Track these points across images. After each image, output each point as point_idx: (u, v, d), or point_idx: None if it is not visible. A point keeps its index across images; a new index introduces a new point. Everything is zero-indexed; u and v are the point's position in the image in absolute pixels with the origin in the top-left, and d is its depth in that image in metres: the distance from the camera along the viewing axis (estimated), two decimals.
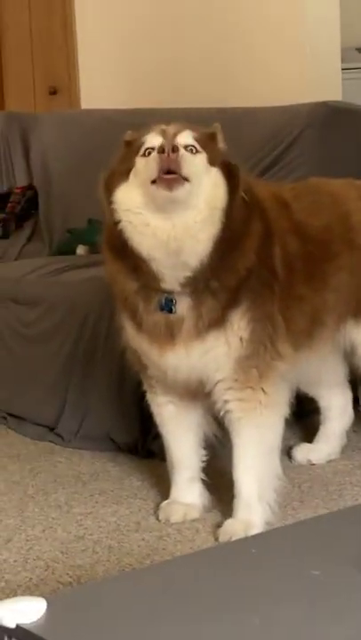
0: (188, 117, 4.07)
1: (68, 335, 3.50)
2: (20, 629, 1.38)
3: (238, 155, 3.70)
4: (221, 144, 2.62)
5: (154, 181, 2.51)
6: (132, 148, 2.59)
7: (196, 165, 2.53)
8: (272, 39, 4.21)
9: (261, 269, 2.66)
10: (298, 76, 4.15)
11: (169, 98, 4.37)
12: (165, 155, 2.48)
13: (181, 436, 2.89)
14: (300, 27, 4.14)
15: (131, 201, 2.56)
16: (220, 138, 2.62)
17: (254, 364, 2.67)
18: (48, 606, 1.43)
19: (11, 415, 3.70)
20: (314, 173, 3.32)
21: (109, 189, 2.61)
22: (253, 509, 2.74)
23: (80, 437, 3.47)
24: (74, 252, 4.06)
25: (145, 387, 2.90)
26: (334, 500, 2.97)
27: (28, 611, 1.41)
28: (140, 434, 3.33)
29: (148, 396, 2.90)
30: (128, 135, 2.66)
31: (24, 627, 1.38)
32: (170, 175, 2.49)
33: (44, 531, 2.86)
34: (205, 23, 4.40)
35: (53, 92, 4.91)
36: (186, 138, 2.56)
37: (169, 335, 2.64)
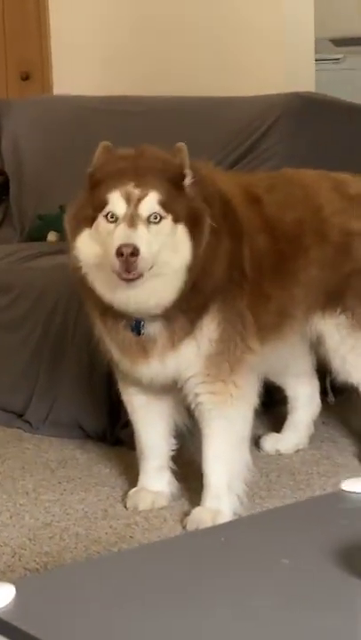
0: (161, 105, 4.09)
1: (37, 322, 3.49)
2: None
3: (212, 144, 3.73)
4: (188, 180, 2.56)
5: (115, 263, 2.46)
6: (96, 197, 2.53)
7: (160, 240, 2.49)
8: (247, 29, 4.20)
9: (231, 271, 2.67)
10: (272, 67, 4.14)
11: (143, 85, 4.35)
12: (124, 258, 2.42)
13: (151, 425, 2.89)
14: (275, 18, 4.13)
15: (91, 254, 2.55)
16: (187, 173, 2.55)
17: (225, 358, 2.69)
18: (17, 592, 1.42)
19: None
20: (287, 163, 3.32)
21: (72, 233, 2.60)
22: (222, 499, 2.75)
23: (49, 424, 3.46)
24: (45, 239, 4.05)
25: (116, 376, 2.90)
26: (302, 489, 2.99)
27: None
28: (108, 422, 3.32)
29: (120, 385, 2.90)
30: (93, 166, 2.59)
31: None
32: (128, 275, 2.44)
33: (11, 517, 2.85)
34: (181, 12, 4.39)
35: (26, 78, 4.87)
36: (149, 205, 2.49)
37: (141, 350, 2.66)
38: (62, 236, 3.86)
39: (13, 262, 3.75)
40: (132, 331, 2.64)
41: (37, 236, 4.10)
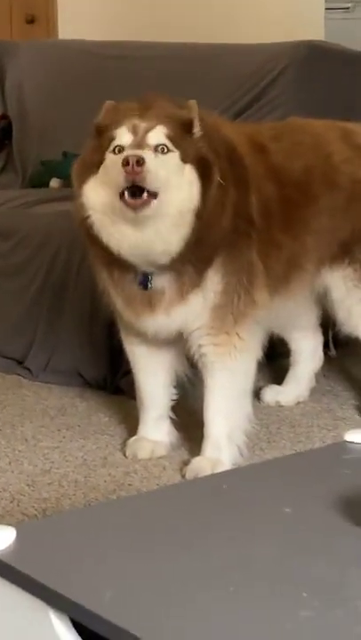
0: (166, 51, 4.04)
1: (39, 268, 3.46)
2: None
3: (217, 93, 3.68)
4: (197, 130, 2.52)
5: (121, 194, 2.44)
6: (103, 139, 2.51)
7: (167, 169, 2.45)
8: None
9: (238, 221, 2.63)
10: (281, 15, 4.09)
11: (149, 31, 4.30)
12: (130, 167, 2.39)
13: (152, 375, 2.87)
14: None
15: (98, 199, 2.51)
16: (195, 124, 2.52)
17: (230, 311, 2.67)
18: (17, 535, 1.41)
19: None
20: (294, 113, 3.27)
21: (79, 180, 2.56)
22: (222, 449, 2.74)
23: (48, 371, 3.45)
24: (47, 185, 4.01)
25: (119, 325, 2.88)
26: (302, 442, 2.98)
27: None
28: (108, 370, 3.31)
29: (122, 335, 2.87)
30: (99, 119, 2.56)
31: None
32: (135, 200, 2.41)
33: (10, 463, 2.84)
34: None
35: (31, 21, 4.82)
36: (157, 136, 2.46)
37: (147, 304, 2.64)
38: (65, 183, 3.84)
39: (15, 208, 3.71)
40: (140, 285, 2.61)
41: (40, 182, 4.07)
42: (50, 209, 3.60)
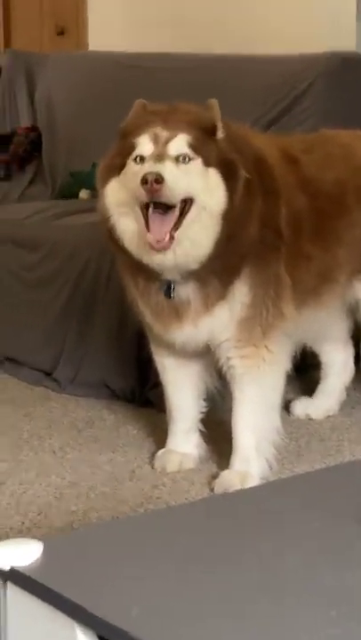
0: (196, 62, 4.02)
1: (67, 280, 3.45)
2: (14, 572, 1.35)
3: (247, 104, 3.66)
4: (220, 133, 2.51)
5: (145, 206, 2.44)
6: (126, 144, 2.51)
7: (189, 178, 2.44)
8: None
9: (266, 232, 2.61)
10: (313, 26, 4.07)
11: (179, 42, 4.29)
12: (149, 186, 2.38)
13: (182, 387, 2.85)
14: None
15: (119, 201, 2.52)
16: (218, 126, 2.51)
17: (258, 323, 2.65)
18: (44, 549, 1.40)
19: (7, 359, 3.67)
20: (325, 124, 3.26)
21: (102, 182, 2.57)
22: (251, 462, 2.71)
23: (76, 384, 3.44)
24: (76, 196, 4.01)
25: (148, 337, 2.86)
26: (332, 455, 2.95)
27: (23, 553, 1.38)
28: (137, 382, 3.29)
29: (151, 346, 2.86)
30: (125, 122, 2.57)
31: (19, 569, 1.35)
32: (158, 244, 2.42)
33: (37, 475, 2.83)
34: None
35: (61, 33, 4.83)
36: (178, 146, 2.45)
37: (174, 315, 2.62)
38: (94, 194, 3.82)
39: (44, 219, 3.71)
40: (165, 294, 2.60)
41: (69, 193, 4.07)
42: (79, 220, 3.60)
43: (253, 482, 2.66)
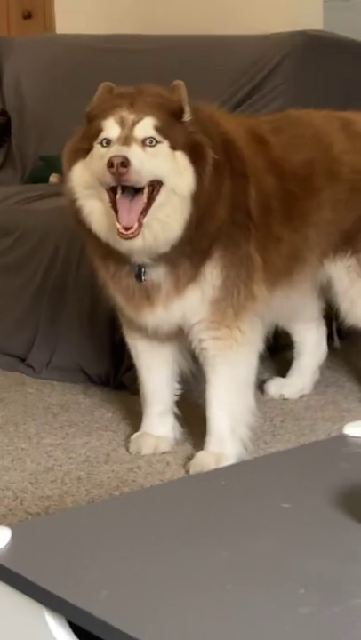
0: (164, 44, 4.01)
1: (39, 265, 3.44)
2: None
3: (215, 85, 3.65)
4: (187, 115, 2.50)
5: (111, 189, 2.43)
6: (92, 128, 2.49)
7: (156, 162, 2.43)
8: None
9: (235, 214, 2.61)
10: (279, 5, 4.06)
11: (145, 25, 4.27)
12: (115, 169, 2.37)
13: (155, 370, 2.85)
14: None
15: (85, 184, 2.51)
16: (185, 109, 2.49)
17: (230, 304, 2.65)
18: (12, 535, 1.40)
19: None
20: (293, 104, 3.26)
21: (68, 165, 2.55)
22: (225, 443, 2.72)
23: (51, 368, 3.43)
24: (47, 181, 3.99)
25: (120, 320, 2.86)
26: (306, 434, 2.96)
27: None
28: (111, 366, 3.29)
29: (124, 330, 2.86)
30: (91, 105, 2.55)
31: None
32: (126, 232, 2.41)
33: (12, 461, 2.83)
34: None
35: (28, 16, 4.79)
36: (144, 129, 2.44)
37: (145, 298, 2.62)
38: (64, 178, 3.81)
39: (14, 204, 3.70)
40: (135, 277, 2.59)
41: (39, 177, 4.05)
42: (49, 204, 3.58)
43: (228, 462, 2.66)
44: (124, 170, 2.37)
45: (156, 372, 2.86)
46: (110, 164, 2.38)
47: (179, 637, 1.19)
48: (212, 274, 2.61)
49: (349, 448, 1.67)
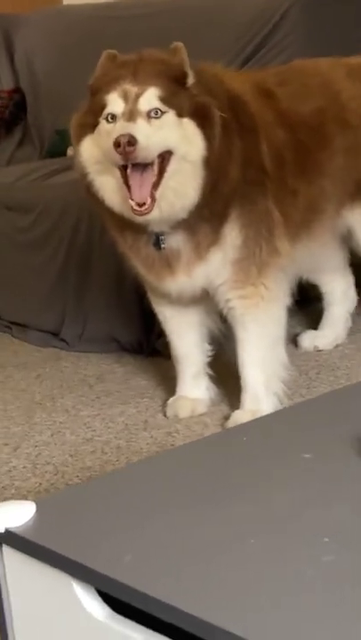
0: (171, 5, 3.98)
1: (62, 238, 3.45)
2: (8, 534, 1.36)
3: (224, 40, 3.62)
4: (190, 79, 2.46)
5: (123, 167, 2.42)
6: (96, 102, 2.47)
7: (162, 133, 2.40)
8: None
9: (249, 171, 2.58)
10: None
11: None
12: (122, 149, 2.35)
13: (184, 334, 2.85)
14: None
15: (94, 158, 2.50)
16: (187, 72, 2.46)
17: (252, 262, 2.64)
18: (37, 508, 1.41)
19: (14, 323, 3.68)
20: (303, 53, 3.22)
21: (76, 140, 2.54)
22: (261, 399, 2.72)
23: (84, 340, 3.45)
24: (65, 154, 3.99)
25: (146, 288, 2.86)
26: (342, 384, 2.95)
27: (16, 515, 1.39)
28: (143, 333, 3.30)
29: (150, 296, 2.86)
30: (93, 78, 2.53)
31: (12, 530, 1.36)
32: (140, 208, 2.40)
33: (52, 435, 2.85)
34: None
35: None
36: (149, 101, 2.41)
37: (166, 266, 2.61)
38: None
39: (33, 181, 3.70)
40: (153, 246, 2.59)
41: (57, 151, 4.05)
42: (68, 177, 3.57)
43: None
44: (131, 148, 2.35)
45: (186, 336, 2.86)
46: (117, 144, 2.36)
47: (204, 596, 1.19)
48: (231, 235, 2.60)
49: None
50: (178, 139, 2.43)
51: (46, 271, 3.50)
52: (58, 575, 1.31)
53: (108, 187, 2.51)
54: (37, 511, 1.41)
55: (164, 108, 2.42)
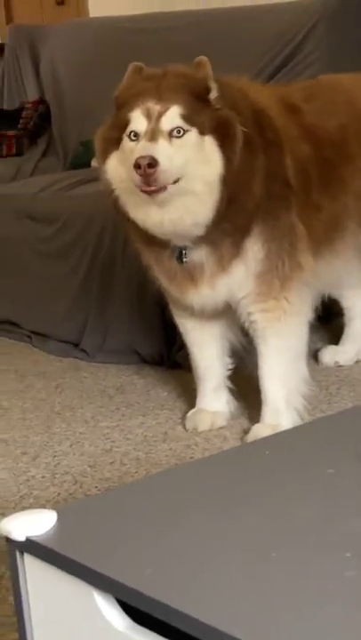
0: (197, 18, 3.99)
1: (85, 249, 3.46)
2: (30, 542, 1.36)
3: (251, 54, 3.62)
4: (213, 93, 2.46)
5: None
6: (120, 117, 2.47)
7: (185, 153, 2.40)
8: None
9: (273, 186, 2.58)
10: None
11: (172, 1, 4.25)
12: (142, 171, 2.35)
13: (206, 346, 2.86)
14: None
15: (119, 176, 2.50)
16: (211, 86, 2.45)
17: (275, 276, 2.63)
18: (58, 517, 1.40)
19: (35, 333, 3.69)
20: (329, 68, 3.23)
21: (103, 156, 2.54)
22: (281, 414, 2.72)
23: (104, 352, 3.45)
24: (89, 165, 4.00)
25: (167, 300, 2.86)
26: None
27: (37, 523, 1.39)
28: (164, 345, 3.30)
29: (172, 309, 2.86)
30: (118, 91, 2.54)
31: (34, 539, 1.36)
32: (149, 188, 2.38)
33: (71, 446, 2.85)
34: None
35: (61, 2, 4.81)
36: (171, 120, 2.40)
37: (189, 279, 2.61)
38: None
39: (58, 191, 3.71)
40: (177, 260, 2.59)
41: (81, 162, 4.06)
42: (92, 189, 3.58)
43: None
44: (151, 171, 2.35)
45: (207, 349, 2.86)
46: (137, 166, 2.36)
47: (223, 606, 1.19)
48: (253, 249, 2.60)
49: None
50: (197, 159, 2.42)
51: (68, 282, 3.51)
52: (79, 584, 1.31)
53: (133, 203, 2.51)
54: (58, 520, 1.40)
55: (186, 126, 2.42)
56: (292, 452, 1.59)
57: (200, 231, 2.51)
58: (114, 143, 2.51)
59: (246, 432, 2.77)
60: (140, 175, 2.37)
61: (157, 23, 4.11)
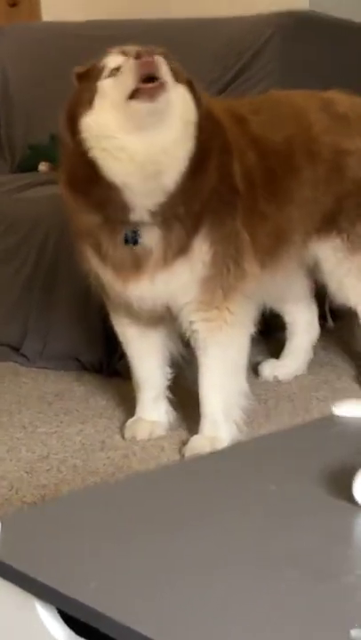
0: (150, 28, 4.00)
1: (29, 253, 3.44)
2: None
3: (203, 66, 3.64)
4: (176, 63, 2.50)
5: (131, 96, 2.41)
6: (89, 77, 2.48)
7: (168, 79, 2.43)
8: None
9: (222, 188, 2.60)
10: None
11: (132, 9, 4.26)
12: (144, 60, 2.36)
13: (146, 356, 2.86)
14: None
15: (101, 126, 2.46)
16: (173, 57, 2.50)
17: (219, 284, 2.64)
18: (2, 526, 1.40)
19: None
20: (280, 84, 3.26)
21: (72, 120, 2.50)
22: (219, 426, 2.72)
23: (45, 357, 3.44)
24: (36, 169, 3.99)
25: (108, 308, 2.86)
26: (300, 415, 2.96)
27: None
28: (105, 353, 3.30)
29: (112, 317, 2.86)
30: (78, 68, 2.54)
31: None
32: (152, 83, 2.38)
33: (8, 451, 2.83)
34: None
35: (13, 4, 4.78)
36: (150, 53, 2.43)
37: (134, 267, 2.60)
38: (53, 166, 3.81)
39: (4, 193, 3.69)
40: (128, 242, 2.56)
41: (28, 166, 4.05)
42: (39, 193, 3.58)
43: (223, 445, 2.67)
44: (152, 58, 2.38)
45: (147, 358, 2.86)
46: (138, 56, 2.37)
47: (166, 620, 1.19)
48: (200, 248, 2.59)
49: (337, 428, 1.67)
50: (176, 96, 2.45)
51: (11, 285, 3.49)
52: (21, 594, 1.31)
53: (116, 150, 2.45)
54: (2, 528, 1.40)
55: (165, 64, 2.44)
56: (234, 468, 1.60)
57: (172, 183, 2.48)
58: (85, 104, 2.47)
59: (185, 443, 2.77)
60: (142, 64, 2.37)
61: (110, 31, 4.10)
